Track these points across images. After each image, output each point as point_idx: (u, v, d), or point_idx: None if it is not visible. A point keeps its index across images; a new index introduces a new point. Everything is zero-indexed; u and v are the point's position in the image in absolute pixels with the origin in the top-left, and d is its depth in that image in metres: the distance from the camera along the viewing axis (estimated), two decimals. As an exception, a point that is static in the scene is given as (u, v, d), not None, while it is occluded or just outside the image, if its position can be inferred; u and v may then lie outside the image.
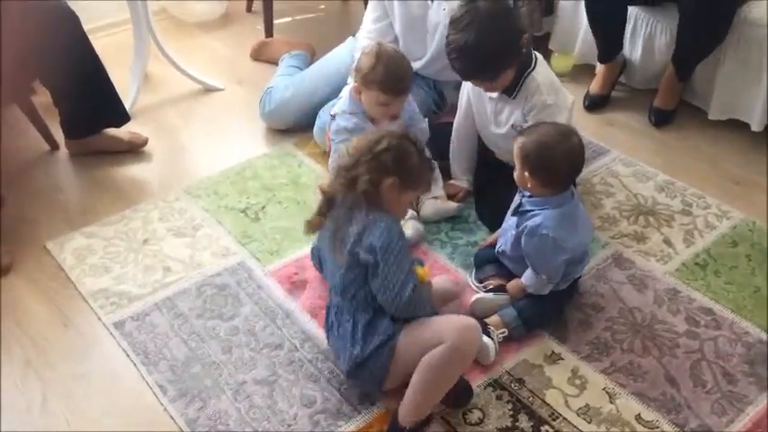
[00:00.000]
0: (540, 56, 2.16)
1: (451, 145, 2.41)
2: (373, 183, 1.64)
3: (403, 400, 1.66)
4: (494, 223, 2.21)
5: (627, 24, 2.85)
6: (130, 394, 1.83)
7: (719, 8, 2.54)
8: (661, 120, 2.82)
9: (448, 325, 1.65)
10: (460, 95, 2.36)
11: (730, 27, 2.57)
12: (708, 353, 1.91)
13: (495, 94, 2.16)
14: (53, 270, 2.19)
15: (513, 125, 2.16)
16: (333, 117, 2.33)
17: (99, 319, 2.03)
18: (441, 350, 1.60)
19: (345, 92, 2.54)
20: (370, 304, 1.68)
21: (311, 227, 1.77)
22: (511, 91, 2.12)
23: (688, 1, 2.57)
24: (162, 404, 1.80)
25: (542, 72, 2.12)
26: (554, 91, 2.12)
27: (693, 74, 2.77)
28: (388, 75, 2.17)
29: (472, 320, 1.70)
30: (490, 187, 2.34)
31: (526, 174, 1.86)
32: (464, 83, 2.29)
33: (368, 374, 1.71)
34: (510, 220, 1.97)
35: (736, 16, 2.56)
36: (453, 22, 2.02)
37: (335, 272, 1.72)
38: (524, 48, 2.05)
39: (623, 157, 2.63)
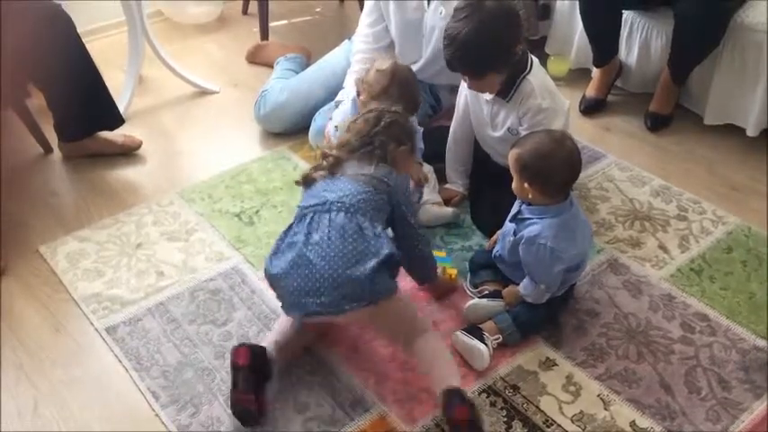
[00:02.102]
0: (536, 60, 2.16)
1: (447, 148, 2.41)
2: (389, 152, 1.85)
3: (436, 379, 1.73)
4: (489, 228, 2.20)
5: (623, 28, 2.85)
6: (122, 400, 1.82)
7: (715, 13, 2.54)
8: (657, 124, 2.82)
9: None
10: (458, 98, 2.35)
11: (726, 32, 2.57)
12: (703, 359, 1.91)
13: (489, 97, 2.16)
14: (45, 274, 2.18)
15: (509, 128, 2.16)
16: (336, 129, 2.31)
17: (91, 323, 2.02)
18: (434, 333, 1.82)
19: (341, 96, 2.54)
20: (374, 219, 1.76)
21: (306, 180, 1.86)
22: (505, 94, 2.12)
23: (684, 5, 2.57)
24: (154, 410, 1.79)
25: (538, 76, 2.12)
26: (549, 95, 2.11)
27: (689, 78, 2.77)
28: (401, 98, 2.13)
29: None
30: (486, 192, 2.33)
31: (525, 185, 1.85)
32: (461, 86, 2.28)
33: (367, 287, 1.69)
34: (508, 226, 1.96)
35: (731, 21, 2.56)
36: (455, 12, 2.04)
37: (344, 188, 1.78)
38: (516, 56, 2.05)
39: (619, 162, 2.62)
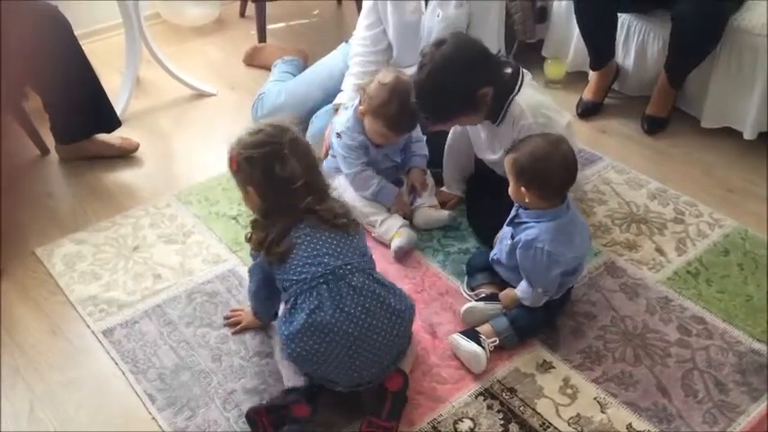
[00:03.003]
0: (528, 78, 2.08)
1: (445, 158, 2.40)
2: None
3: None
4: (485, 233, 2.20)
5: (620, 32, 2.86)
6: (119, 403, 1.82)
7: (712, 16, 2.55)
8: (654, 127, 2.82)
9: None
10: None
11: (722, 35, 2.57)
12: (699, 362, 1.91)
13: (480, 132, 2.12)
14: (42, 277, 2.18)
15: (506, 151, 2.11)
16: (338, 135, 2.31)
17: (88, 326, 2.01)
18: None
19: (339, 99, 2.54)
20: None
21: (283, 255, 1.72)
22: (494, 118, 2.06)
23: (681, 9, 2.57)
24: (150, 413, 1.78)
25: (528, 95, 2.04)
26: (542, 114, 2.04)
27: (686, 81, 2.77)
28: (399, 115, 2.15)
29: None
30: (483, 199, 2.31)
31: (522, 189, 1.85)
32: None
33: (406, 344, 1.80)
34: (505, 230, 1.96)
35: (728, 24, 2.57)
36: (420, 61, 2.01)
37: (349, 250, 1.71)
38: (484, 98, 1.99)
39: (616, 165, 2.63)
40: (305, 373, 1.71)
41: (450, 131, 2.35)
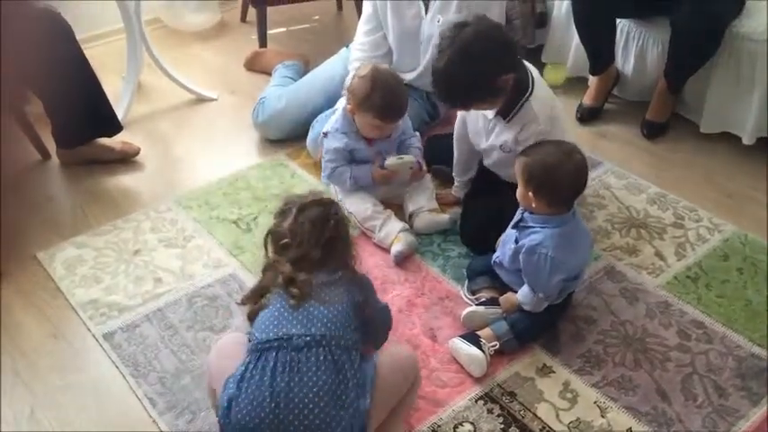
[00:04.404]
0: (537, 78, 2.07)
1: (454, 146, 2.36)
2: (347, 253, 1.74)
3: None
4: (473, 242, 2.21)
5: (619, 38, 2.86)
6: (119, 406, 1.82)
7: (711, 22, 2.55)
8: (653, 132, 2.83)
9: (409, 360, 1.71)
10: None
11: (721, 41, 2.58)
12: (699, 366, 1.91)
13: (491, 115, 2.10)
14: (43, 280, 2.18)
15: (501, 145, 2.10)
16: (325, 135, 2.34)
17: (88, 330, 2.02)
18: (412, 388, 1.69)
19: (340, 104, 2.55)
20: (354, 345, 1.58)
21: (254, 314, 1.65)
22: (506, 114, 2.05)
23: (680, 15, 2.58)
24: (151, 416, 1.79)
25: (540, 98, 2.03)
26: (550, 120, 2.03)
27: (685, 87, 2.78)
28: (385, 102, 2.18)
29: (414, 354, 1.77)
30: (476, 208, 2.30)
31: (530, 193, 1.85)
32: None
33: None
34: (509, 233, 1.96)
35: (727, 30, 2.58)
36: (439, 43, 1.98)
37: (318, 320, 1.56)
38: (504, 86, 1.96)
39: (616, 170, 2.63)
40: None
41: (457, 119, 2.32)
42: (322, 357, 1.51)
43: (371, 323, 1.67)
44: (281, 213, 1.68)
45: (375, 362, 1.60)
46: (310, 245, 1.62)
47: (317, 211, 1.65)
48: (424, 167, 2.39)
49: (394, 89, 2.19)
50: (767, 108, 2.57)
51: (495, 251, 2.03)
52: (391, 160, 2.27)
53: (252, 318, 1.64)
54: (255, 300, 1.65)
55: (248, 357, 1.55)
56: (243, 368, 1.52)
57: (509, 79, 1.95)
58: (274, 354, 1.51)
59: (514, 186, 1.92)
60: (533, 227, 1.88)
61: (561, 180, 1.82)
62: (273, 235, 1.67)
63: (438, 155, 2.45)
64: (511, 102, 2.02)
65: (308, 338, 1.52)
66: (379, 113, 2.20)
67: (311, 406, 1.48)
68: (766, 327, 2.02)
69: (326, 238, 1.63)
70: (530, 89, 2.02)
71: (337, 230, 1.66)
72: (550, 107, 2.05)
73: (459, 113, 2.29)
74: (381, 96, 2.17)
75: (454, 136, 2.35)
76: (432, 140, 2.54)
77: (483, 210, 2.23)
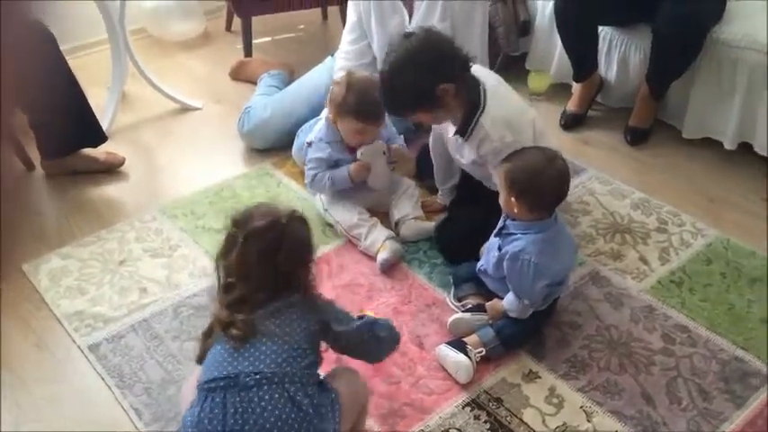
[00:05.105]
0: (489, 89, 2.02)
1: (433, 161, 2.39)
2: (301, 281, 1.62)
3: None
4: (450, 251, 2.22)
5: (602, 44, 2.89)
6: (105, 418, 1.81)
7: (692, 29, 2.58)
8: (636, 138, 2.85)
9: (364, 388, 1.70)
10: None
11: (702, 48, 2.61)
12: (683, 370, 1.93)
13: (450, 132, 2.09)
14: (28, 292, 2.17)
15: (473, 161, 2.10)
16: (309, 144, 2.35)
17: (73, 341, 2.01)
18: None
19: (324, 113, 2.56)
20: (310, 378, 1.51)
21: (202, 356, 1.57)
22: (463, 132, 2.05)
23: (661, 22, 2.61)
24: (137, 427, 1.78)
25: (492, 115, 1.99)
26: (509, 130, 1.98)
27: (667, 93, 2.81)
28: (361, 102, 2.20)
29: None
30: (456, 217, 2.31)
31: (513, 199, 1.86)
32: None
33: None
34: (492, 241, 1.98)
35: (707, 37, 2.61)
36: (386, 52, 2.01)
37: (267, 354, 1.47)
38: (445, 97, 1.94)
39: (599, 176, 2.65)
40: None
41: (431, 134, 2.34)
42: (277, 395, 1.42)
43: (347, 347, 1.61)
44: (228, 241, 1.53)
45: (335, 389, 1.55)
46: (255, 284, 1.50)
47: (266, 241, 1.49)
48: (406, 149, 2.40)
49: (369, 89, 2.21)
50: (748, 113, 2.60)
51: (474, 260, 2.05)
52: (362, 149, 2.28)
53: (201, 359, 1.55)
54: (204, 340, 1.56)
55: (196, 399, 1.47)
56: (196, 409, 1.44)
57: (448, 90, 1.94)
58: (222, 395, 1.43)
59: (497, 194, 1.93)
60: (515, 233, 1.89)
61: (544, 186, 1.84)
62: (220, 269, 1.55)
63: (429, 167, 2.44)
64: (465, 119, 2.02)
65: (258, 377, 1.42)
66: (355, 114, 2.22)
67: None
68: (749, 330, 2.03)
69: (275, 272, 1.50)
70: (481, 106, 2.00)
71: (290, 259, 1.51)
72: (507, 122, 2.00)
73: (434, 127, 2.29)
74: (356, 96, 2.20)
75: (430, 143, 2.37)
76: (424, 152, 2.53)
77: (465, 219, 2.24)
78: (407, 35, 2.00)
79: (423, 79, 1.93)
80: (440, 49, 1.97)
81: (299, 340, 1.50)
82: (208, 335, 1.56)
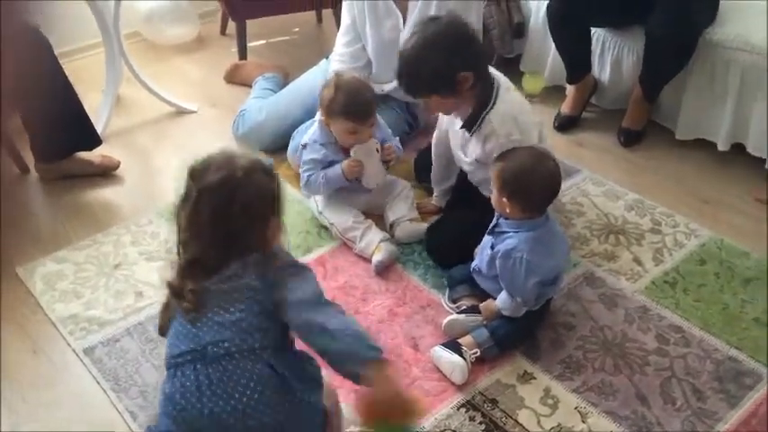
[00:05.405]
0: (503, 88, 2.04)
1: (432, 155, 2.39)
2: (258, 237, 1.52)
3: None
4: (439, 255, 2.23)
5: (595, 47, 2.90)
6: (101, 421, 1.81)
7: (685, 31, 2.60)
8: (630, 140, 2.86)
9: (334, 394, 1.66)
10: (440, 115, 2.36)
11: (695, 49, 2.63)
12: (678, 370, 1.93)
13: (458, 126, 2.11)
14: (23, 296, 2.17)
15: (476, 159, 2.10)
16: (303, 147, 2.35)
17: (69, 345, 2.01)
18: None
19: (318, 116, 2.56)
20: (278, 344, 1.42)
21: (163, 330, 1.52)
22: (469, 127, 2.06)
23: (654, 24, 2.62)
24: (132, 430, 1.78)
25: (500, 111, 2.00)
26: (516, 128, 1.99)
27: (660, 95, 2.82)
28: (349, 102, 2.22)
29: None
30: (451, 218, 2.32)
31: (504, 199, 1.87)
32: None
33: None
34: (485, 240, 1.99)
35: (700, 38, 2.62)
36: (411, 33, 2.03)
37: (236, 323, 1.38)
38: (464, 84, 1.95)
39: (593, 177, 2.66)
40: None
41: (435, 130, 2.35)
42: (251, 364, 1.35)
43: (298, 329, 1.43)
44: (185, 194, 1.43)
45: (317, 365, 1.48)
46: (206, 243, 1.39)
47: (219, 196, 1.38)
48: (400, 148, 2.41)
49: (357, 87, 2.23)
50: (741, 114, 2.61)
51: (468, 262, 2.05)
52: (355, 147, 2.29)
53: (163, 331, 1.48)
54: (163, 311, 1.50)
55: (166, 375, 1.41)
56: (167, 386, 1.39)
57: (468, 78, 1.95)
58: (192, 367, 1.36)
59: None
60: (508, 232, 1.90)
61: (535, 185, 1.85)
62: (178, 224, 1.45)
63: (427, 170, 2.45)
64: (474, 114, 2.03)
65: (227, 345, 1.35)
66: (345, 114, 2.23)
67: (254, 413, 1.34)
68: (742, 330, 2.04)
69: (228, 231, 1.38)
70: (491, 102, 2.01)
71: (245, 216, 1.38)
72: (515, 120, 2.00)
73: (440, 118, 2.30)
74: (344, 95, 2.22)
75: (433, 141, 2.37)
76: (422, 155, 2.54)
77: (455, 223, 2.25)
78: (434, 18, 2.02)
79: (447, 63, 1.94)
80: (466, 36, 2.00)
81: (258, 306, 1.40)
82: (167, 305, 1.48)
